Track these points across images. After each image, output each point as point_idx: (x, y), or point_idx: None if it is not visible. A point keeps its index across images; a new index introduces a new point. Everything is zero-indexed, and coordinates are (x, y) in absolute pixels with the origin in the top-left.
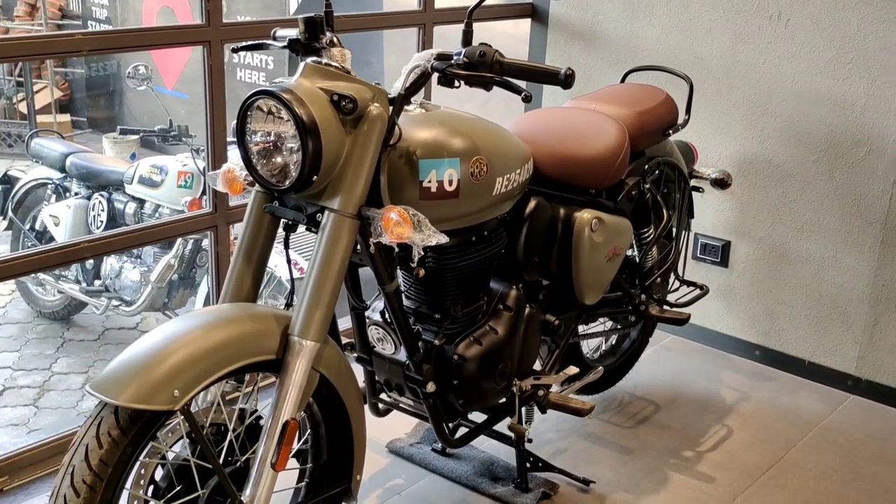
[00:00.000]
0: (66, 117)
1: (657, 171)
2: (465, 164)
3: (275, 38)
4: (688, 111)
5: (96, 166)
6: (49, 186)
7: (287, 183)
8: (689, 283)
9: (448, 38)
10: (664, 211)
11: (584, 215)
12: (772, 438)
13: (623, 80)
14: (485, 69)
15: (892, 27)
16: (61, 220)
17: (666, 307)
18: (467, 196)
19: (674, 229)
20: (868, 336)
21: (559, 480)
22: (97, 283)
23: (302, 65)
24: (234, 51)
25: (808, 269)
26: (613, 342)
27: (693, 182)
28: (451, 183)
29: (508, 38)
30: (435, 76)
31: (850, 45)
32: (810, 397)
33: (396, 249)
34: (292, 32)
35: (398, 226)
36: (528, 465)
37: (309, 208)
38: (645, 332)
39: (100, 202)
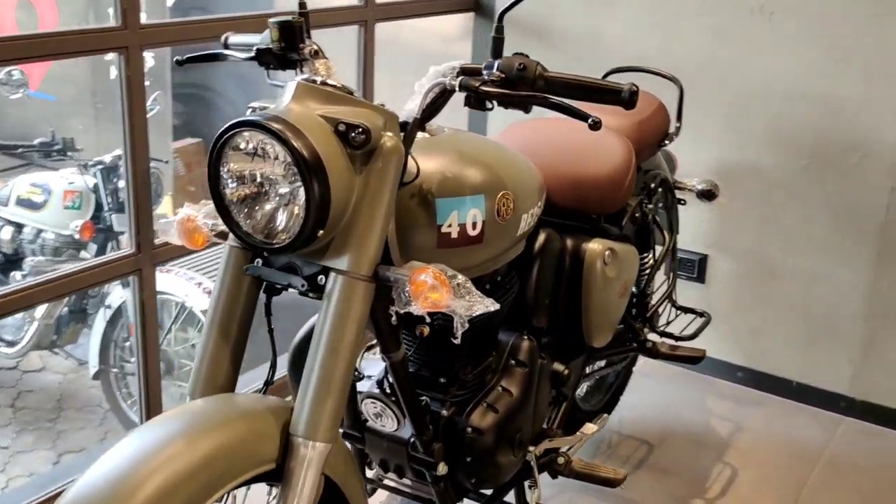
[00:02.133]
0: None
1: (659, 189)
2: (491, 202)
3: (227, 46)
4: (679, 118)
5: None
6: None
7: (285, 239)
8: (687, 311)
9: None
10: (665, 232)
11: (595, 247)
12: (780, 476)
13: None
14: (525, 86)
15: (888, 21)
16: None
17: (669, 341)
18: (491, 239)
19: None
20: (863, 354)
21: None
22: None
23: (292, 85)
24: (180, 63)
25: (797, 285)
26: (597, 377)
27: (677, 194)
28: (474, 226)
29: (424, 34)
30: (460, 95)
31: (842, 41)
32: (804, 422)
33: (428, 319)
34: (253, 39)
35: (433, 291)
36: None
37: (306, 269)
38: (629, 363)
39: None
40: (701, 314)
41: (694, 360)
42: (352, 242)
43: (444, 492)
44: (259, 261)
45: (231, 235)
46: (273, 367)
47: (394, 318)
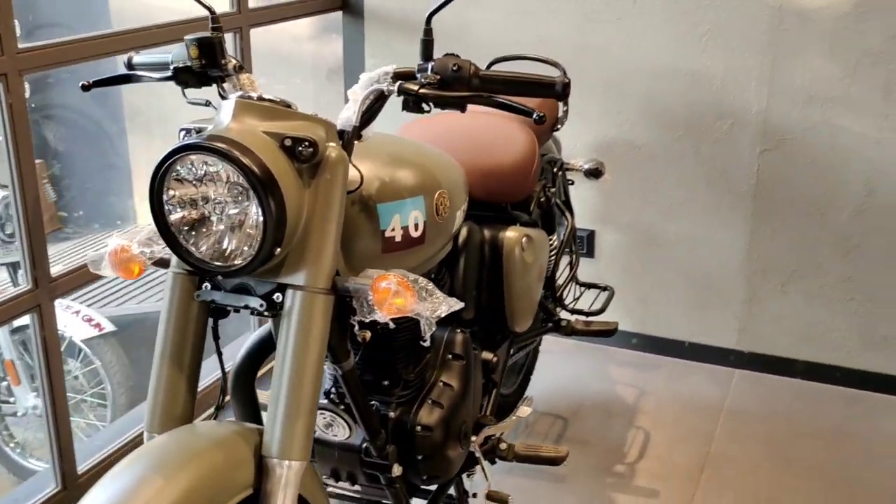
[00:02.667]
0: None
1: (559, 173)
2: (429, 202)
3: (131, 67)
4: (566, 102)
5: None
6: None
7: (240, 261)
8: (590, 286)
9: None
10: (567, 214)
11: (512, 234)
12: (689, 434)
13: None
14: (461, 86)
15: None
16: None
17: (581, 318)
18: (432, 239)
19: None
20: (747, 309)
21: None
22: None
23: (229, 104)
24: (86, 88)
25: (680, 250)
26: (512, 361)
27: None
28: (416, 227)
29: (272, 36)
30: (394, 99)
31: (704, 17)
32: (700, 379)
33: (392, 325)
34: (160, 57)
35: (398, 297)
36: None
37: (259, 288)
38: (537, 344)
39: None
40: (604, 288)
41: (608, 332)
42: (307, 257)
43: (399, 492)
44: (207, 285)
45: (174, 262)
46: (223, 390)
47: (356, 328)
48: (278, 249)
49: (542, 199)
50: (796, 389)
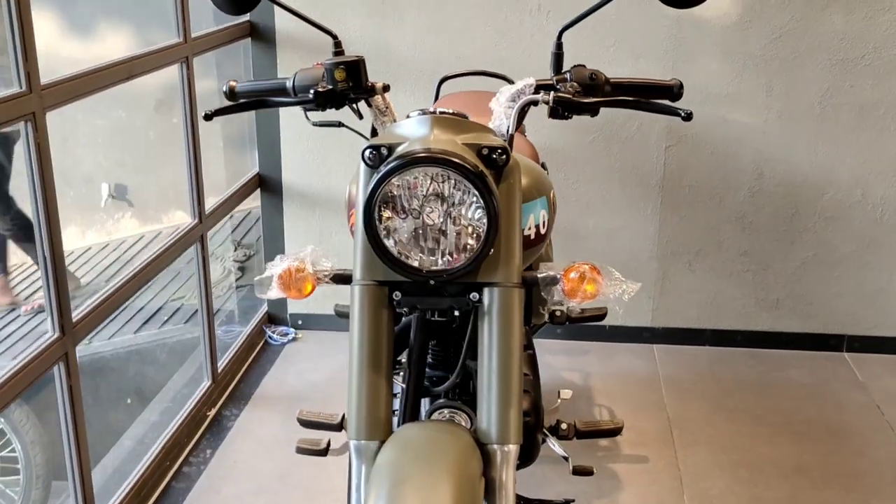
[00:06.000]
0: None
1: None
2: (549, 200)
3: (233, 95)
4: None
5: None
6: None
7: (459, 265)
8: None
9: None
10: None
11: None
12: (644, 404)
13: (438, 89)
14: (598, 92)
15: (646, 8)
16: None
17: (573, 306)
18: (548, 233)
19: None
20: (659, 289)
21: None
22: None
23: (427, 118)
24: (208, 117)
25: (598, 242)
26: None
27: None
28: (543, 224)
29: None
30: (537, 107)
31: (610, 29)
32: (628, 357)
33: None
34: (266, 84)
35: (590, 283)
36: None
37: (452, 290)
38: None
39: None
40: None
41: (600, 317)
42: (500, 256)
43: None
44: (398, 293)
45: (358, 275)
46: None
47: (546, 317)
48: (492, 249)
49: None
50: (710, 355)
